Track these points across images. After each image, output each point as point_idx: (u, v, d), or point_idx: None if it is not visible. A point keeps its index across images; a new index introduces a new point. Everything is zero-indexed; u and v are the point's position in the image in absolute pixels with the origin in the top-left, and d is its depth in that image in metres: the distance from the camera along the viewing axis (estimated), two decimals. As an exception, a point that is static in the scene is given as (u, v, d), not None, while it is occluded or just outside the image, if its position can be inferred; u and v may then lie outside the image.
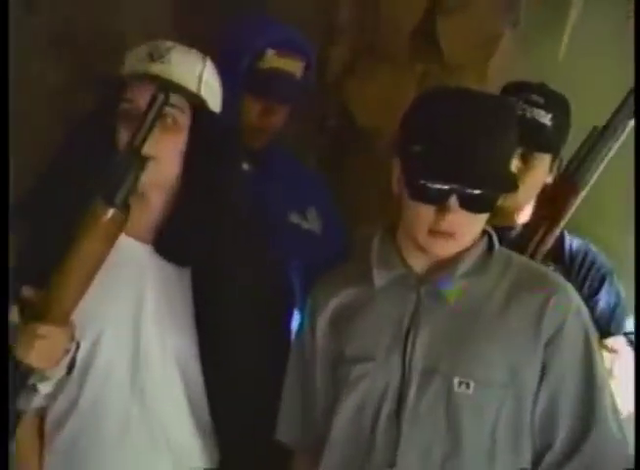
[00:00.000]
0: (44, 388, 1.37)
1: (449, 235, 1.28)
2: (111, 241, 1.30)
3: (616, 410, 1.32)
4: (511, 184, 1.30)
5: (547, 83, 1.62)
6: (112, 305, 1.38)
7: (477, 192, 1.26)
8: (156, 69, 1.37)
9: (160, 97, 1.27)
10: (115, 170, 1.28)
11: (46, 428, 1.46)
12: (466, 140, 1.23)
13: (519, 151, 1.58)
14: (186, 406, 1.43)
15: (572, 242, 1.65)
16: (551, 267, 1.57)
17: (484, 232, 1.36)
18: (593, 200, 1.58)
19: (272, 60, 1.68)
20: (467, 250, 1.33)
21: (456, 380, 1.28)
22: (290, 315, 1.60)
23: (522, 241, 1.54)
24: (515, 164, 1.58)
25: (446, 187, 1.25)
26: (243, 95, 1.68)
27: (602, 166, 1.54)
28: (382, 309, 1.34)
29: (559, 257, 1.61)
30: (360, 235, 1.71)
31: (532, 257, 1.54)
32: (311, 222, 1.77)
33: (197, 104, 1.40)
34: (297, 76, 1.70)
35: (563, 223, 1.57)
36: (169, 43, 1.42)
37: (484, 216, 1.32)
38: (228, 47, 1.69)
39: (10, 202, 1.33)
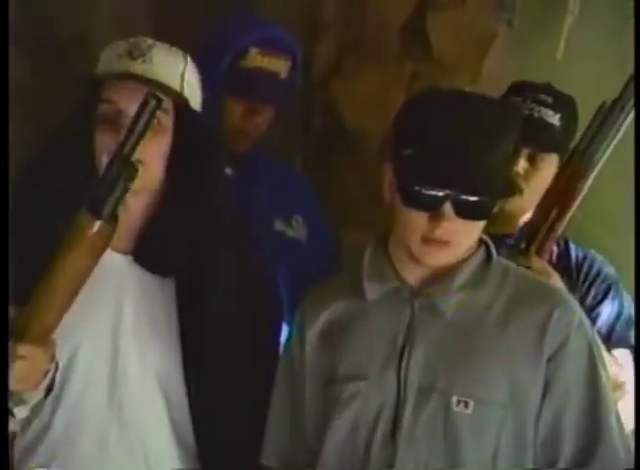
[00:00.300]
0: (20, 412, 1.29)
1: (443, 243, 1.23)
2: (97, 255, 1.24)
3: (621, 425, 1.27)
4: (508, 189, 1.25)
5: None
6: (89, 318, 1.32)
7: (472, 198, 1.20)
8: (138, 68, 1.31)
9: (152, 102, 1.20)
10: (102, 180, 1.22)
11: (14, 456, 1.37)
12: (458, 143, 1.19)
13: (525, 151, 1.54)
14: (166, 421, 1.37)
15: (578, 252, 1.60)
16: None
17: (481, 241, 1.31)
18: (593, 205, 1.53)
19: (255, 59, 1.63)
20: (464, 261, 1.28)
21: (454, 399, 1.23)
22: (276, 326, 1.53)
23: (529, 231, 1.47)
24: (521, 166, 1.54)
25: (440, 193, 1.20)
26: (224, 96, 1.62)
27: (611, 147, 1.45)
28: (375, 324, 1.29)
29: (565, 266, 1.56)
30: (351, 243, 1.67)
31: (541, 248, 1.46)
32: (296, 230, 1.72)
33: (179, 103, 1.33)
34: (281, 76, 1.65)
35: (573, 208, 1.48)
36: (149, 40, 1.35)
37: (481, 224, 1.26)
38: (210, 45, 1.64)
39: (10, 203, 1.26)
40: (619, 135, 1.45)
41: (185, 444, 1.38)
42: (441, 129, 1.19)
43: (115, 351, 1.34)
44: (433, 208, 1.21)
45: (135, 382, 1.35)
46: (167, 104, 1.30)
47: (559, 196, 1.47)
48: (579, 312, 1.29)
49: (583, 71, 1.59)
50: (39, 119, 1.80)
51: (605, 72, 1.64)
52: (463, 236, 1.24)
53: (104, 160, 1.30)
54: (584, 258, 1.60)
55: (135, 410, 1.35)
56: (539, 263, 1.43)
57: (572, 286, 1.52)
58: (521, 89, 1.58)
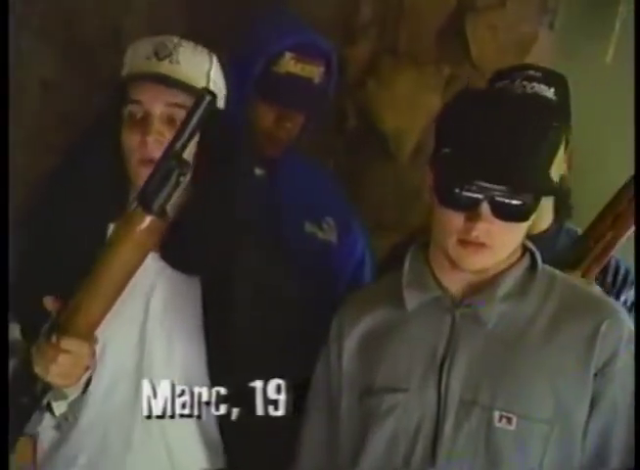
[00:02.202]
0: (59, 408, 1.27)
1: (480, 245, 1.17)
2: (146, 250, 1.20)
3: None
4: (547, 189, 1.19)
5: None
6: (117, 314, 1.27)
7: (509, 200, 1.14)
8: (164, 68, 1.29)
9: (207, 98, 1.16)
10: (154, 175, 1.18)
11: (40, 448, 1.34)
12: (496, 142, 1.14)
13: None
14: (193, 420, 1.32)
15: (618, 262, 1.51)
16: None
17: (526, 249, 1.24)
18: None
19: (289, 64, 1.58)
20: (507, 269, 1.21)
21: (497, 414, 1.16)
22: (302, 327, 1.45)
23: (582, 248, 1.39)
24: None
25: (477, 193, 1.14)
26: (256, 99, 1.59)
27: None
28: (414, 334, 1.23)
29: (602, 277, 1.46)
30: (385, 247, 1.61)
31: (587, 272, 1.38)
32: (327, 232, 1.67)
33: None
34: (314, 82, 1.61)
35: (630, 232, 1.39)
36: (175, 39, 1.33)
37: (521, 228, 1.19)
38: (244, 47, 1.60)
39: (10, 203, 1.24)
40: None
41: (211, 442, 1.34)
42: (479, 128, 1.15)
43: (142, 347, 1.32)
44: (469, 208, 1.16)
45: (161, 379, 1.29)
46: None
47: (616, 220, 1.38)
48: (630, 325, 1.21)
49: (632, 74, 1.52)
50: (70, 119, 1.78)
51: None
52: (500, 239, 1.17)
53: (132, 161, 1.30)
54: (609, 261, 1.48)
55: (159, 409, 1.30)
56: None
57: (607, 291, 1.44)
58: (504, 73, 1.51)
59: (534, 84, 1.47)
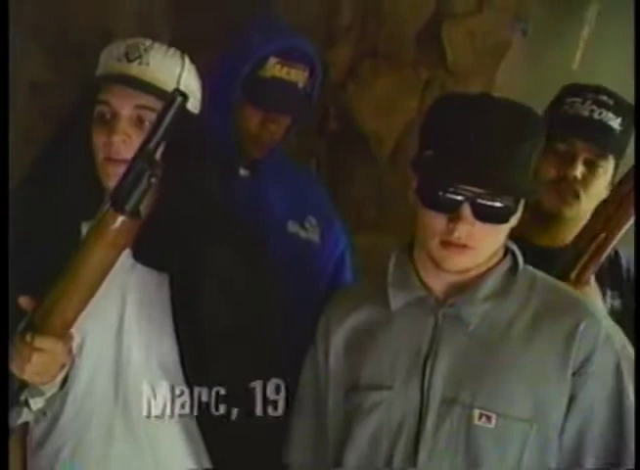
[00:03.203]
0: (35, 404, 1.27)
1: (462, 247, 1.16)
2: (119, 250, 1.20)
3: None
4: (527, 192, 1.18)
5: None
6: (94, 311, 1.27)
7: (490, 202, 1.15)
8: (133, 70, 1.28)
9: (178, 99, 1.16)
10: (126, 175, 1.18)
11: (29, 446, 1.35)
12: (477, 145, 1.14)
13: (583, 156, 1.45)
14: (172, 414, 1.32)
15: (630, 263, 1.49)
16: (609, 293, 1.44)
17: (508, 250, 1.24)
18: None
19: (274, 69, 1.58)
20: (489, 270, 1.21)
21: (477, 412, 1.17)
22: (277, 325, 1.45)
23: (572, 253, 1.38)
24: (579, 170, 1.45)
25: (458, 195, 1.14)
26: (242, 103, 1.58)
27: None
28: (399, 333, 1.23)
29: (616, 280, 1.47)
30: (367, 247, 1.63)
31: (582, 272, 1.36)
32: (310, 231, 1.67)
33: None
34: (299, 86, 1.60)
35: (621, 234, 1.38)
36: (147, 42, 1.31)
37: (502, 230, 1.19)
38: (230, 51, 1.60)
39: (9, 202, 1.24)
40: None
41: (192, 438, 1.33)
42: (462, 131, 1.15)
43: (119, 343, 1.31)
44: (451, 209, 1.15)
45: (139, 375, 1.31)
46: (160, 105, 1.23)
47: (608, 221, 1.38)
48: (608, 325, 1.21)
49: (599, 82, 1.55)
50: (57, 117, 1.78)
51: (621, 82, 1.60)
52: (482, 240, 1.17)
53: (98, 159, 1.28)
54: (629, 265, 1.48)
55: (140, 401, 1.30)
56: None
57: (626, 302, 1.44)
58: (578, 90, 1.49)
59: (603, 110, 1.46)
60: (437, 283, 1.23)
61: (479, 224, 1.16)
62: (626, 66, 1.65)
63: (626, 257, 1.50)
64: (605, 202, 1.41)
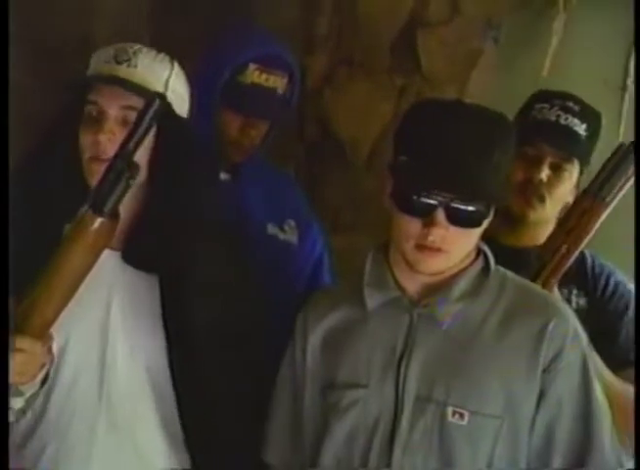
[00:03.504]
0: (15, 403, 1.26)
1: (436, 250, 1.19)
2: (98, 251, 1.21)
3: (613, 437, 1.23)
4: (499, 197, 1.21)
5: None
6: (79, 311, 1.28)
7: (463, 207, 1.17)
8: (121, 72, 1.29)
9: (156, 102, 1.18)
10: (105, 178, 1.19)
11: (11, 445, 1.32)
12: (451, 150, 1.16)
13: (549, 160, 1.48)
14: (155, 413, 1.33)
15: (595, 263, 1.53)
16: (574, 292, 1.47)
17: (480, 251, 1.26)
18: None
19: (253, 75, 1.59)
20: (462, 271, 1.24)
21: (450, 409, 1.19)
22: (261, 325, 1.46)
23: (538, 262, 1.42)
24: (545, 173, 1.48)
25: (432, 200, 1.16)
26: (222, 108, 1.59)
27: (628, 185, 1.41)
28: (374, 333, 1.24)
29: (581, 280, 1.50)
30: (346, 249, 1.65)
31: (547, 282, 1.40)
32: (289, 234, 1.69)
33: (163, 109, 1.26)
34: (278, 92, 1.62)
35: (583, 245, 1.43)
36: (136, 46, 1.33)
37: (475, 233, 1.21)
38: (210, 58, 1.61)
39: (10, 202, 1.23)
40: (634, 177, 1.40)
41: (174, 436, 1.34)
42: (435, 137, 1.17)
43: (104, 343, 1.32)
44: (425, 214, 1.17)
45: (124, 374, 1.32)
46: None
47: (570, 233, 1.42)
48: (575, 324, 1.24)
49: (568, 88, 1.59)
50: (38, 123, 1.77)
51: (590, 88, 1.65)
52: (455, 244, 1.19)
53: (85, 158, 1.29)
54: (601, 271, 1.52)
55: (124, 402, 1.32)
56: None
57: (591, 301, 1.47)
58: (546, 97, 1.52)
59: (569, 116, 1.49)
60: (412, 284, 1.24)
61: (452, 228, 1.18)
62: (594, 72, 1.70)
63: (592, 257, 1.54)
64: (567, 214, 1.45)
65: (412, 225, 1.19)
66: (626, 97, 1.78)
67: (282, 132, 1.73)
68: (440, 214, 1.17)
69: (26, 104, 1.85)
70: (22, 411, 1.31)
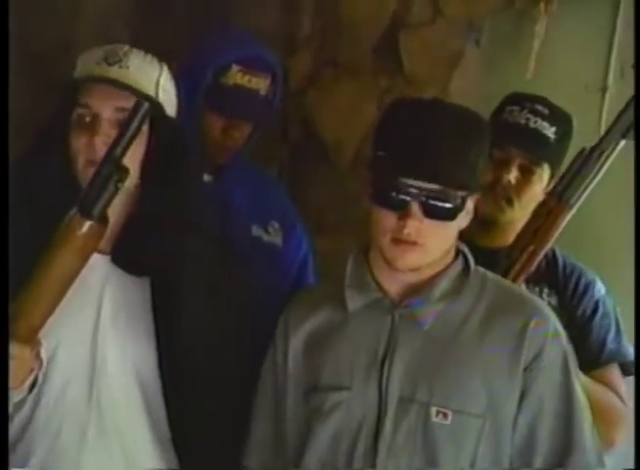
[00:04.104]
0: None
1: (412, 244, 1.19)
2: (86, 255, 1.20)
3: (595, 435, 1.23)
4: (472, 183, 1.20)
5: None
6: (69, 316, 1.27)
7: (439, 202, 1.17)
8: (113, 73, 1.28)
9: (145, 105, 1.17)
10: (93, 181, 1.18)
11: None
12: (427, 142, 1.17)
13: (517, 161, 1.50)
14: (145, 417, 1.32)
15: (566, 263, 1.54)
16: (545, 291, 1.48)
17: (459, 252, 1.26)
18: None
19: (236, 76, 1.58)
20: (442, 271, 1.24)
21: (434, 409, 1.19)
22: (250, 326, 1.45)
23: (506, 263, 1.43)
24: (513, 175, 1.49)
25: (407, 195, 1.17)
26: (205, 110, 1.58)
27: (591, 187, 1.44)
28: (356, 335, 1.24)
29: (552, 279, 1.51)
30: (329, 250, 1.65)
31: (515, 280, 1.42)
32: (273, 235, 1.68)
33: (155, 110, 1.28)
34: (261, 93, 1.61)
35: (549, 245, 1.46)
36: (126, 47, 1.32)
37: (450, 228, 1.21)
38: (192, 60, 1.60)
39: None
40: (597, 179, 1.43)
41: (164, 440, 1.33)
42: (413, 132, 1.18)
43: (94, 348, 1.30)
44: (401, 207, 1.18)
45: (114, 378, 1.30)
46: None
47: (536, 234, 1.44)
48: (555, 323, 1.24)
49: (552, 90, 1.60)
50: (19, 127, 1.76)
51: (574, 90, 1.65)
52: (430, 237, 1.19)
53: (79, 162, 1.27)
54: (572, 271, 1.53)
55: (114, 406, 1.31)
56: None
57: (561, 300, 1.48)
58: (517, 99, 1.53)
59: (538, 119, 1.50)
60: (393, 285, 1.25)
61: (427, 221, 1.19)
62: (576, 74, 1.70)
63: (563, 257, 1.55)
64: (533, 215, 1.47)
65: (388, 219, 1.20)
66: (607, 97, 1.78)
67: (266, 133, 1.72)
68: (415, 207, 1.18)
69: (13, 105, 1.83)
70: (10, 417, 1.27)
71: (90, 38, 1.84)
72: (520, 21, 1.88)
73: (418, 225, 1.18)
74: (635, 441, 1.25)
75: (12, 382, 1.21)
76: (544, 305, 1.29)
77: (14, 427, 1.30)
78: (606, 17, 1.78)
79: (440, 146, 1.17)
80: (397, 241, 1.19)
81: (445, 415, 1.19)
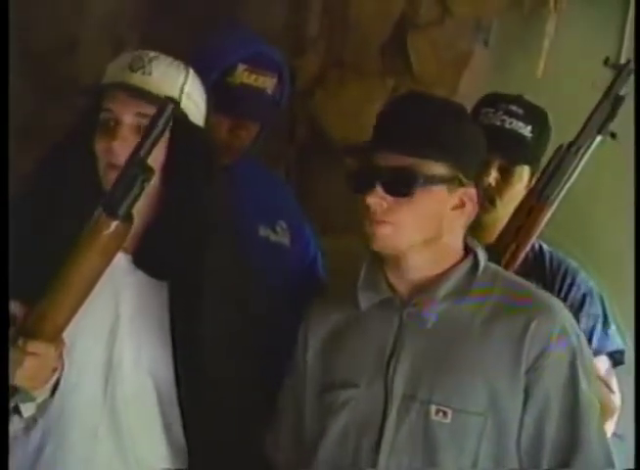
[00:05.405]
0: (27, 410, 1.24)
1: (383, 223, 1.19)
2: (112, 254, 1.19)
3: (602, 433, 1.21)
4: (446, 159, 1.19)
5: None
6: (87, 314, 1.25)
7: (398, 177, 1.17)
8: (135, 80, 1.29)
9: (169, 107, 1.16)
10: (119, 181, 1.17)
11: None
12: (401, 116, 1.21)
13: (496, 163, 1.49)
14: (158, 418, 1.31)
15: (553, 258, 1.53)
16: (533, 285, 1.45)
17: (469, 250, 1.25)
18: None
19: (242, 76, 1.56)
20: (449, 269, 1.22)
21: (433, 408, 1.17)
22: (266, 328, 1.43)
23: (491, 259, 1.39)
24: (493, 177, 1.49)
25: (372, 177, 1.18)
26: (211, 110, 1.51)
27: (570, 183, 1.45)
28: (367, 333, 1.24)
29: (539, 273, 1.50)
30: (343, 250, 1.62)
31: None
32: (280, 235, 1.65)
33: (177, 116, 1.26)
34: (267, 93, 1.59)
35: (532, 242, 1.46)
36: (152, 53, 1.32)
37: (417, 205, 1.19)
38: (198, 60, 1.54)
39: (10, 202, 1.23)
40: (575, 176, 1.44)
41: (176, 442, 1.32)
42: (393, 110, 1.23)
43: (111, 347, 1.30)
44: (367, 188, 1.19)
45: (129, 378, 1.30)
46: None
47: (517, 232, 1.44)
48: (562, 320, 1.21)
49: (562, 89, 1.57)
50: (22, 127, 1.73)
51: (584, 91, 1.62)
52: (398, 214, 1.19)
53: (101, 165, 1.28)
54: (559, 265, 1.53)
55: (127, 405, 1.30)
56: None
57: (546, 290, 1.42)
58: (493, 101, 1.53)
59: (513, 120, 1.50)
60: (402, 284, 1.24)
61: (390, 199, 1.19)
62: (588, 74, 1.67)
63: (550, 252, 1.54)
64: (515, 213, 1.47)
65: (362, 204, 1.21)
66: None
67: (272, 133, 1.70)
68: (379, 186, 1.19)
69: (13, 107, 1.81)
70: (34, 419, 1.28)
71: (95, 38, 1.83)
72: (529, 20, 1.86)
73: (380, 202, 1.19)
74: (635, 441, 1.22)
75: (36, 381, 1.20)
76: (554, 304, 1.24)
77: (30, 429, 1.29)
78: (615, 15, 1.75)
79: (414, 118, 1.19)
80: (372, 222, 1.20)
81: (445, 413, 1.17)
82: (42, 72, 1.89)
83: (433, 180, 1.19)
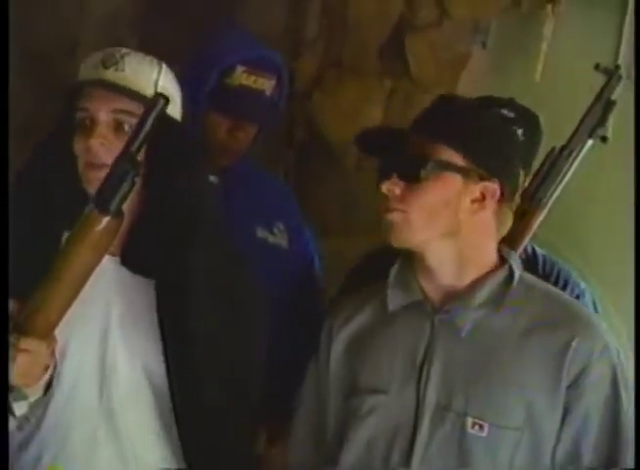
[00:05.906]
0: (19, 409, 1.20)
1: (396, 210, 1.17)
2: (103, 251, 1.16)
3: None
4: (461, 148, 1.17)
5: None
6: (79, 314, 1.23)
7: (414, 166, 1.16)
8: (109, 76, 1.26)
9: (160, 102, 1.13)
10: (109, 177, 1.15)
11: (10, 451, 1.26)
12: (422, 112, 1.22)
13: None
14: (154, 417, 1.29)
15: (545, 260, 1.52)
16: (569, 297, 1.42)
17: (504, 260, 1.21)
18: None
19: (241, 77, 1.55)
20: (484, 277, 1.19)
21: (469, 420, 1.14)
22: (258, 326, 1.41)
23: None
24: None
25: (388, 167, 1.18)
26: (209, 112, 1.54)
27: (562, 186, 1.45)
28: (395, 338, 1.21)
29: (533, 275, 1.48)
30: (341, 254, 1.61)
31: None
32: (278, 236, 1.64)
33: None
34: (266, 94, 1.58)
35: (522, 246, 1.44)
36: (124, 50, 1.29)
37: (427, 192, 1.16)
38: (197, 61, 1.57)
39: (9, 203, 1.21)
40: (567, 179, 1.45)
41: (175, 442, 1.29)
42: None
43: (104, 348, 1.27)
44: (385, 176, 1.18)
45: (123, 379, 1.27)
46: (139, 109, 1.21)
47: (509, 234, 1.39)
48: (603, 337, 1.18)
49: (560, 92, 1.57)
50: (22, 128, 1.73)
51: (581, 93, 1.62)
52: (409, 201, 1.17)
53: (80, 164, 1.26)
54: (552, 267, 1.51)
55: (124, 406, 1.27)
56: None
57: None
58: (484, 104, 1.50)
59: None
60: (433, 289, 1.21)
61: (402, 185, 1.17)
62: (585, 76, 1.66)
63: (542, 255, 1.54)
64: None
65: (381, 195, 1.19)
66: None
67: (271, 135, 1.68)
68: (394, 174, 1.18)
69: (13, 107, 1.81)
70: (26, 418, 1.24)
71: (95, 39, 1.82)
72: (527, 22, 1.86)
73: (393, 189, 1.17)
74: (635, 440, 1.19)
75: (28, 378, 1.18)
76: (594, 318, 1.22)
77: (23, 428, 1.26)
78: (613, 19, 1.74)
79: (432, 109, 1.21)
80: (387, 211, 1.18)
81: (482, 427, 1.14)
82: (42, 72, 1.87)
83: (442, 165, 1.16)
